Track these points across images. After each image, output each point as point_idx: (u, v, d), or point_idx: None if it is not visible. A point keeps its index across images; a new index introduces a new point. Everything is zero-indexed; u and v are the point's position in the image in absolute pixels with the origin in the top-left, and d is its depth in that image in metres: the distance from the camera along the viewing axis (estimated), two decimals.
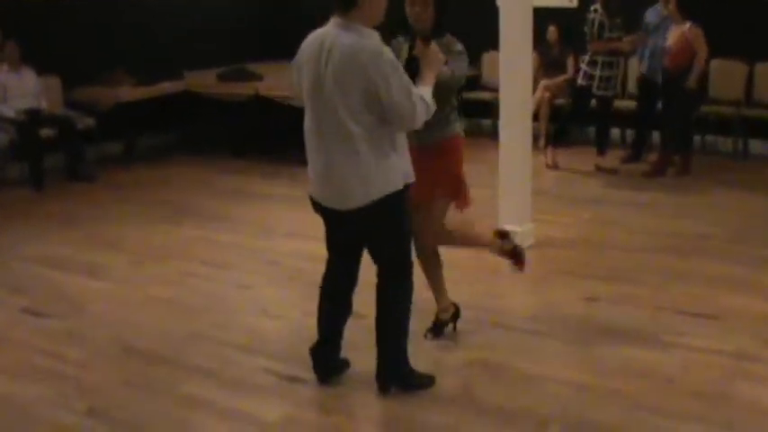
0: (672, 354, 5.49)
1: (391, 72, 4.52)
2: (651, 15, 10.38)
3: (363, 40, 4.55)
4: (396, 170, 4.71)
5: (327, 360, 5.23)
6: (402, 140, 4.80)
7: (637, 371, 5.28)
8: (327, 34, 4.66)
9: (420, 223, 5.43)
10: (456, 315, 5.94)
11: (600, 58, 10.03)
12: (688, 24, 9.59)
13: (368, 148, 4.61)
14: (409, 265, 5.00)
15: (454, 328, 5.93)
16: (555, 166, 10.44)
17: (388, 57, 4.55)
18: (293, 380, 5.27)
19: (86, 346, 5.88)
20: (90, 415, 4.97)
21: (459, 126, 5.61)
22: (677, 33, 9.63)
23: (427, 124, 4.85)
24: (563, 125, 10.79)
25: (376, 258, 4.98)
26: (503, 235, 6.17)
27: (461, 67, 5.31)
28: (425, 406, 4.97)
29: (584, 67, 10.25)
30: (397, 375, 5.10)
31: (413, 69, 4.88)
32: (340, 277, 5.13)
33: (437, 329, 5.86)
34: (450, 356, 5.63)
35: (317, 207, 4.93)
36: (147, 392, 5.23)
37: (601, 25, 9.96)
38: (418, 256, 5.61)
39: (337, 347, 5.24)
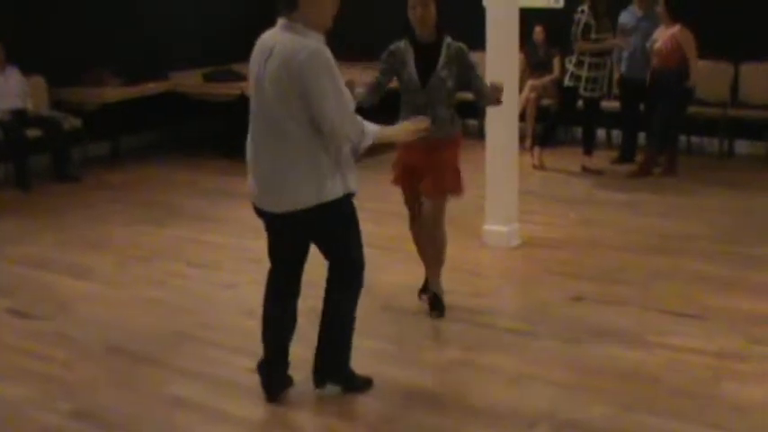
0: (658, 353, 5.50)
1: (327, 77, 4.45)
2: (626, 17, 10.42)
3: (305, 43, 4.46)
4: (335, 178, 4.61)
5: (274, 377, 5.08)
6: (345, 150, 4.68)
7: (623, 370, 5.29)
8: (271, 35, 4.63)
9: (425, 212, 5.95)
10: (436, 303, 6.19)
11: (587, 59, 10.03)
12: (678, 26, 9.61)
13: (306, 153, 4.54)
14: (357, 270, 4.92)
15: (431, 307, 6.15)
16: (541, 167, 10.44)
17: (326, 60, 4.47)
18: None
19: (72, 347, 5.86)
20: (76, 416, 4.95)
21: (460, 124, 6.03)
22: (667, 35, 9.65)
23: (435, 123, 5.33)
24: (550, 126, 10.79)
25: (326, 256, 4.92)
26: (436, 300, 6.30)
27: (482, 81, 5.89)
28: (415, 406, 4.97)
29: (570, 67, 10.26)
30: (336, 374, 5.08)
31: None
32: (282, 284, 5.02)
33: (436, 305, 6.14)
34: (439, 357, 5.64)
35: (258, 212, 4.87)
36: (133, 393, 5.22)
37: (587, 26, 9.96)
38: (412, 232, 6.17)
39: (284, 363, 5.09)
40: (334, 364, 5.08)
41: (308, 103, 4.45)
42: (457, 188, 5.96)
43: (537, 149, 10.59)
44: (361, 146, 4.67)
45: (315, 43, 4.48)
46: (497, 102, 5.89)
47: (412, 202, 6.06)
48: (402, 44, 5.80)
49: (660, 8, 9.77)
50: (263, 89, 4.59)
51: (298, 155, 4.55)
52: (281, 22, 4.61)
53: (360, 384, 5.13)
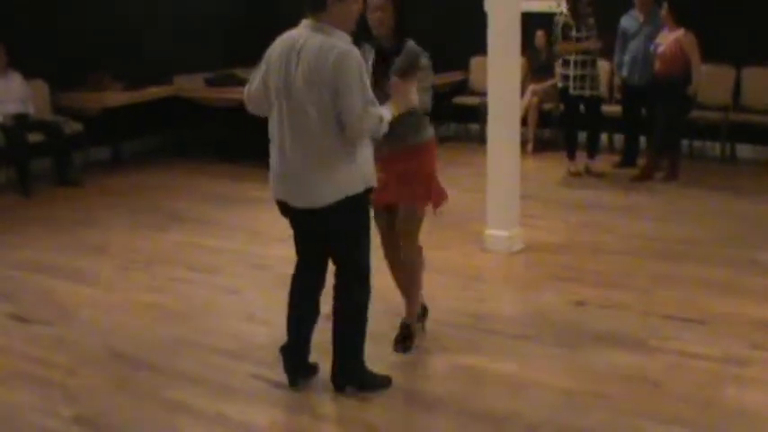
0: (659, 358, 5.49)
1: (356, 77, 4.60)
2: (627, 22, 10.42)
3: (334, 41, 4.62)
4: (358, 173, 4.79)
5: (296, 362, 5.22)
6: (367, 143, 4.86)
7: (624, 375, 5.28)
8: (299, 36, 4.73)
9: (397, 224, 5.55)
10: (424, 314, 5.96)
11: (572, 58, 10.10)
12: (682, 30, 9.61)
13: (334, 149, 4.69)
14: (367, 268, 5.04)
15: (422, 327, 5.94)
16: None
17: (357, 60, 4.63)
18: (281, 386, 5.24)
19: (73, 352, 5.85)
20: (77, 421, 4.94)
21: (431, 130, 5.59)
22: (671, 39, 9.64)
23: (399, 131, 5.05)
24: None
25: (335, 259, 5.04)
26: (423, 310, 6.01)
27: (426, 89, 5.30)
28: (415, 412, 4.97)
29: (559, 69, 10.34)
30: (352, 376, 5.13)
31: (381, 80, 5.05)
32: (307, 279, 5.16)
33: (403, 338, 5.73)
34: (439, 362, 5.63)
35: (283, 208, 4.98)
36: (134, 398, 5.21)
37: (566, 26, 10.05)
38: (386, 257, 5.71)
39: (306, 350, 5.23)
40: (349, 367, 5.12)
41: (336, 99, 4.60)
42: (428, 199, 5.58)
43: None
44: (381, 134, 4.82)
45: (345, 44, 4.65)
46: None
47: (383, 222, 5.64)
48: (366, 47, 5.62)
49: (664, 12, 9.77)
50: (292, 89, 4.69)
51: (326, 151, 4.69)
52: (307, 23, 4.73)
53: (379, 383, 5.17)
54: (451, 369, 5.51)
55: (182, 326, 6.24)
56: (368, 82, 4.71)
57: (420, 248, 5.69)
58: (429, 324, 6.00)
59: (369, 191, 4.89)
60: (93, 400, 5.20)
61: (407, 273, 5.72)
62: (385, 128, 4.80)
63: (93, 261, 7.69)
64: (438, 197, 5.62)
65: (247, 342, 5.89)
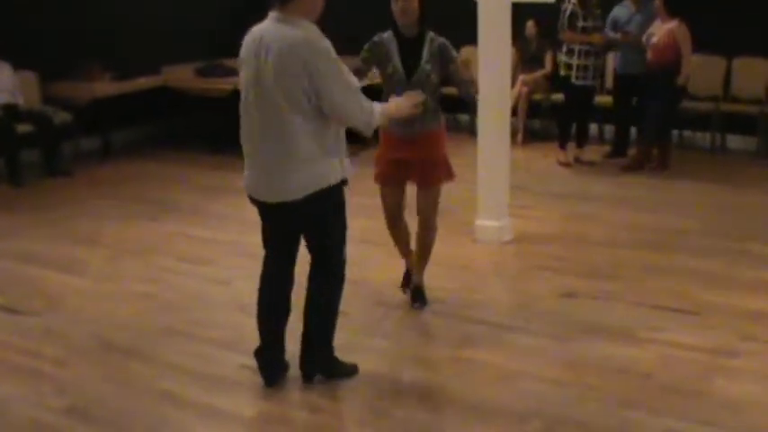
0: (650, 349, 5.51)
1: (330, 64, 4.59)
2: (619, 11, 10.43)
3: (302, 33, 4.60)
4: (334, 165, 4.78)
5: (272, 363, 5.17)
6: (342, 135, 4.85)
7: (615, 367, 5.29)
8: (266, 29, 4.72)
9: (422, 202, 6.01)
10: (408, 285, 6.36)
11: (576, 47, 10.09)
12: (676, 21, 9.61)
13: (308, 142, 4.67)
14: (341, 260, 5.06)
15: (405, 293, 6.30)
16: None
17: (325, 48, 4.61)
18: None
19: (64, 343, 5.85)
20: (68, 412, 4.94)
21: (443, 117, 6.01)
22: (664, 30, 9.64)
23: (422, 116, 5.45)
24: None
25: (310, 249, 5.03)
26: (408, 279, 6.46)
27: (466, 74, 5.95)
28: (406, 402, 4.97)
29: (563, 57, 10.30)
30: (322, 365, 5.15)
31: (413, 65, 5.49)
32: (276, 275, 5.11)
33: (419, 297, 6.23)
34: (430, 352, 5.64)
35: (254, 202, 4.97)
36: (125, 389, 5.21)
37: (573, 15, 10.05)
38: (392, 228, 6.17)
39: (280, 349, 5.18)
40: (320, 357, 5.14)
41: (312, 90, 4.58)
42: (450, 176, 6.03)
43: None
44: (371, 125, 4.84)
45: (315, 35, 4.63)
46: (475, 92, 6.21)
47: (395, 198, 6.05)
48: (386, 36, 5.79)
49: (657, 2, 9.76)
50: (263, 82, 4.66)
51: (298, 144, 4.66)
52: (273, 14, 4.71)
53: (346, 371, 5.20)
54: (441, 359, 5.51)
55: (172, 316, 6.23)
56: (346, 69, 4.69)
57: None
58: (418, 315, 6.02)
59: (344, 182, 4.87)
60: (83, 390, 5.20)
61: (428, 242, 6.16)
62: (377, 122, 4.82)
63: (83, 251, 7.67)
64: (452, 173, 6.06)
65: (238, 332, 5.88)
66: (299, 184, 4.69)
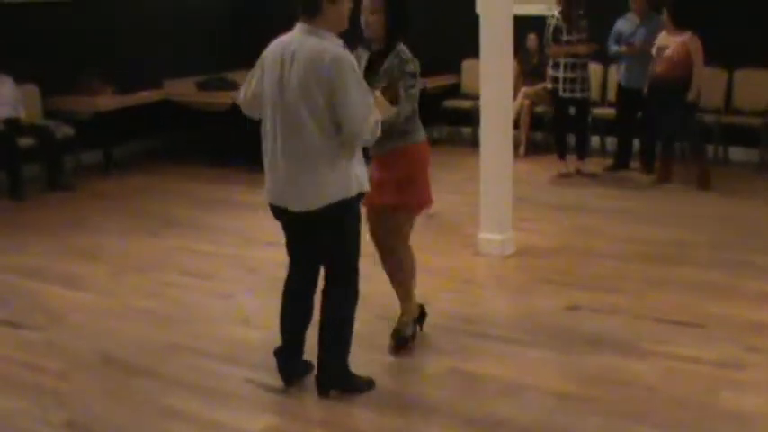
0: (654, 362, 5.48)
1: (352, 82, 4.63)
2: (623, 24, 10.43)
3: (327, 45, 4.65)
4: (352, 176, 4.80)
5: (290, 362, 5.24)
6: (360, 147, 4.88)
7: (618, 380, 5.27)
8: (292, 39, 4.76)
9: (381, 226, 5.56)
10: (422, 316, 5.98)
11: (562, 61, 10.15)
12: (689, 34, 9.59)
13: (328, 152, 4.71)
14: (355, 272, 5.07)
15: (420, 328, 5.95)
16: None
17: (350, 64, 4.65)
18: (275, 390, 5.23)
19: (65, 358, 5.83)
20: (69, 427, 4.92)
21: (421, 134, 5.55)
22: (678, 43, 9.59)
23: (384, 135, 4.98)
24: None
25: (324, 262, 5.05)
26: (422, 313, 6.03)
27: (411, 96, 5.30)
28: (409, 416, 4.96)
29: (550, 71, 10.37)
30: (336, 379, 5.14)
31: (369, 82, 4.98)
32: (299, 282, 5.17)
33: (397, 340, 5.76)
34: (432, 366, 5.61)
35: (276, 211, 5.00)
36: (127, 404, 5.19)
37: (557, 29, 10.11)
38: (381, 260, 5.73)
39: (299, 350, 5.25)
40: (334, 371, 5.12)
41: (333, 105, 4.62)
42: (420, 203, 5.62)
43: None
44: (375, 138, 4.82)
45: (338, 47, 4.67)
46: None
47: (374, 225, 5.62)
48: (359, 50, 5.61)
49: (665, 15, 9.75)
50: (286, 92, 4.70)
51: (319, 155, 4.71)
52: (301, 26, 4.76)
53: (362, 385, 5.18)
54: (444, 373, 5.49)
55: (174, 331, 6.21)
56: (365, 86, 4.73)
57: (408, 248, 5.71)
58: (422, 328, 6.00)
59: (361, 195, 4.91)
60: (85, 405, 5.18)
61: (392, 272, 5.75)
62: (378, 132, 4.82)
63: (85, 266, 7.66)
64: (421, 201, 5.62)
65: (241, 346, 5.87)
66: (319, 195, 4.74)
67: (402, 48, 5.39)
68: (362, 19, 5.37)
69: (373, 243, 5.67)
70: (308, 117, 4.65)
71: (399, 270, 5.73)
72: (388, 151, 5.43)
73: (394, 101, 5.12)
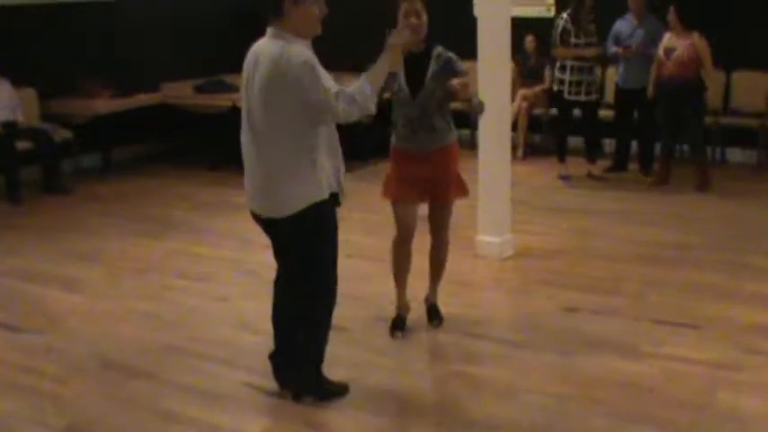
0: (653, 364, 5.48)
1: (309, 77, 4.52)
2: (621, 25, 10.42)
3: (287, 48, 4.57)
4: (322, 180, 4.75)
5: (284, 366, 5.20)
6: (330, 150, 4.82)
7: (618, 381, 5.27)
8: (260, 44, 4.76)
9: (435, 216, 5.97)
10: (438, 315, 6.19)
11: (569, 63, 10.10)
12: (696, 34, 9.58)
13: (296, 157, 4.67)
14: (331, 278, 5.01)
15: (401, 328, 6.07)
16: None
17: (309, 64, 4.55)
18: (272, 393, 5.22)
19: (64, 361, 5.82)
20: (68, 431, 4.91)
21: (455, 132, 5.94)
22: (687, 44, 9.59)
23: (432, 133, 5.63)
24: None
25: (296, 265, 5.01)
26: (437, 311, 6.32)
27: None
28: (409, 420, 4.96)
29: (556, 72, 10.33)
30: (308, 386, 5.11)
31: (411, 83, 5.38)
32: (285, 287, 5.14)
33: (435, 314, 6.16)
34: (432, 369, 5.62)
35: (255, 217, 4.98)
36: (125, 407, 5.18)
37: (565, 31, 10.06)
38: (403, 247, 5.90)
39: (292, 355, 5.19)
40: (306, 376, 5.12)
41: (297, 102, 4.55)
42: (464, 191, 5.99)
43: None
44: (368, 97, 4.69)
45: (298, 49, 4.58)
46: (479, 111, 6.09)
47: (407, 216, 5.83)
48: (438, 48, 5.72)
49: (672, 16, 9.72)
50: (252, 98, 4.71)
51: (287, 159, 4.67)
52: (269, 30, 4.72)
53: (335, 391, 5.15)
54: (443, 375, 5.49)
55: (173, 334, 6.21)
56: (324, 75, 4.57)
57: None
58: (421, 331, 6.00)
59: (333, 196, 4.85)
60: (84, 409, 5.17)
61: (442, 259, 6.12)
62: (374, 97, 4.73)
63: (83, 269, 7.66)
64: (466, 190, 6.02)
65: (238, 349, 5.86)
66: (291, 200, 4.70)
67: (440, 48, 5.70)
68: (406, 23, 5.51)
69: (405, 235, 5.85)
70: (273, 121, 4.63)
71: (447, 254, 6.12)
72: (439, 149, 5.77)
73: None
